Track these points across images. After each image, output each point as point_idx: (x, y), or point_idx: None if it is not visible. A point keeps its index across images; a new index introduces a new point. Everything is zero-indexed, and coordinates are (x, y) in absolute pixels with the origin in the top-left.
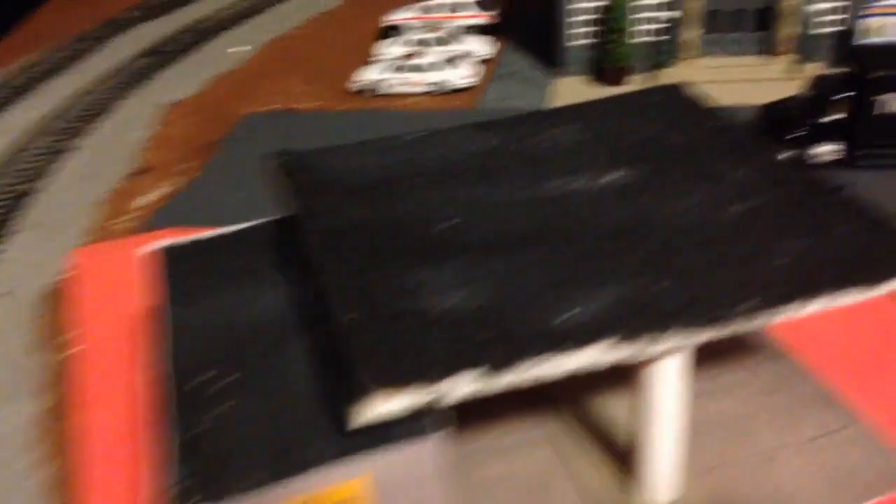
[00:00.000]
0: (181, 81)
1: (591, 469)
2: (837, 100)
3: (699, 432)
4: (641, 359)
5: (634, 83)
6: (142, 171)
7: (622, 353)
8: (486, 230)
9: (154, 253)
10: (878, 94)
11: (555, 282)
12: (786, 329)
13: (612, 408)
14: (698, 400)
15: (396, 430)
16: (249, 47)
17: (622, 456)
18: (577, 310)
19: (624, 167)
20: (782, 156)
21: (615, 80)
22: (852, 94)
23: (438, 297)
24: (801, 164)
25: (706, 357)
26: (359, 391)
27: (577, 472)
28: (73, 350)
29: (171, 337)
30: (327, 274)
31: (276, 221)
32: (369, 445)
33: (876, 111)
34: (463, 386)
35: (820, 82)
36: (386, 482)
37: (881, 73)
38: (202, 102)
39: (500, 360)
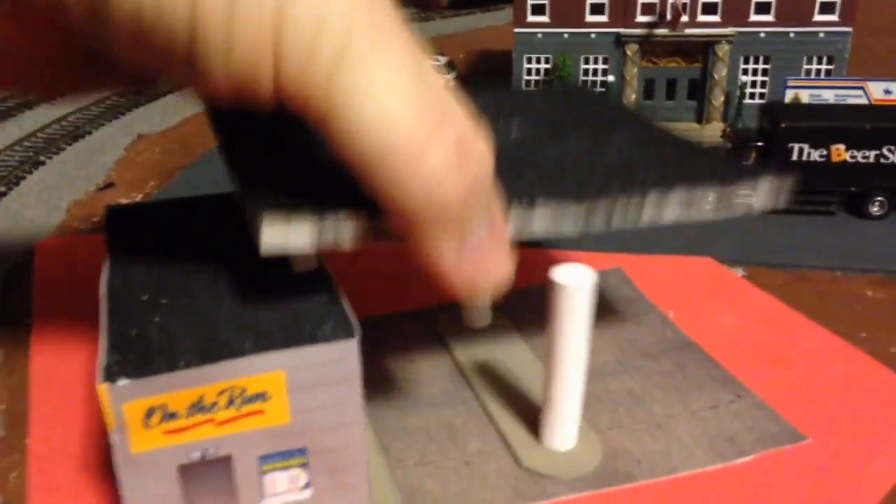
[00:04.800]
0: (153, 118)
1: (507, 424)
2: (749, 147)
3: (597, 402)
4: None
5: None
6: (107, 186)
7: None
8: None
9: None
10: (788, 142)
11: None
12: (693, 332)
13: (536, 371)
14: (600, 378)
15: (309, 334)
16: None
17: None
18: None
19: (513, 128)
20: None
21: None
22: (761, 143)
23: None
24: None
25: (610, 347)
26: (253, 222)
27: (488, 427)
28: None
29: (107, 276)
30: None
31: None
32: (283, 345)
33: (786, 159)
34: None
35: (734, 133)
36: (296, 380)
37: (791, 124)
38: (169, 136)
39: None
